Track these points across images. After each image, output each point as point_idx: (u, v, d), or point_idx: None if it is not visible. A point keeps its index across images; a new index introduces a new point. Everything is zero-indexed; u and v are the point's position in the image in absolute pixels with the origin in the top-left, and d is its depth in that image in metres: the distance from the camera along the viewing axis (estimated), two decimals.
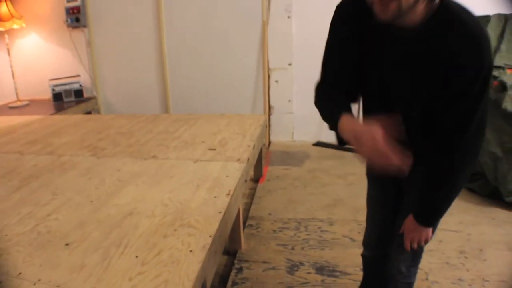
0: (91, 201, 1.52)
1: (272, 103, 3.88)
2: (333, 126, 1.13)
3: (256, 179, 3.04)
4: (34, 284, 1.04)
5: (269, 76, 3.79)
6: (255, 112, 3.93)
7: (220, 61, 3.87)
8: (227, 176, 1.77)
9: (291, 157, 3.52)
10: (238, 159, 1.99)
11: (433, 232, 1.28)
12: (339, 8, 1.19)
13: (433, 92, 1.07)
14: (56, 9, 4.09)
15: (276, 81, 3.81)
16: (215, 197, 1.54)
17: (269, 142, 3.93)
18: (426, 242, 1.28)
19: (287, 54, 3.71)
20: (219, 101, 3.97)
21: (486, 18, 2.73)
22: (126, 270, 1.07)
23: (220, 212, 1.41)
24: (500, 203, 2.53)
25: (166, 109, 4.14)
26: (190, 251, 1.16)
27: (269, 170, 3.25)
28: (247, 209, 2.58)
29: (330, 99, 1.24)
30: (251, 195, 2.79)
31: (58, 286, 1.03)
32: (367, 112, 1.27)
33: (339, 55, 1.21)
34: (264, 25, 3.64)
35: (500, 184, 2.53)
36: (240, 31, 3.74)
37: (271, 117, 3.91)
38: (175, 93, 4.08)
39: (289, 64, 3.74)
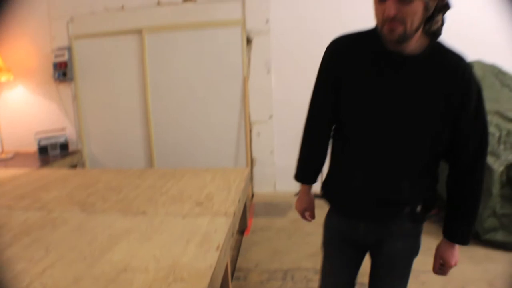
0: (85, 258, 1.57)
1: (254, 155, 4.00)
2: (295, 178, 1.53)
3: (242, 231, 3.10)
4: None
5: (250, 129, 3.94)
6: (238, 164, 4.03)
7: (203, 115, 4.03)
8: (215, 230, 1.84)
9: (275, 207, 3.61)
10: (225, 213, 2.06)
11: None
12: (333, 45, 1.31)
13: (440, 113, 1.17)
14: (44, 63, 4.25)
15: (258, 134, 3.95)
16: (205, 251, 1.61)
17: (252, 194, 4.02)
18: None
19: (267, 108, 3.89)
20: (203, 154, 4.08)
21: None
22: None
23: (210, 266, 1.47)
24: (477, 242, 2.68)
25: (150, 162, 4.21)
26: None
27: (253, 222, 3.31)
28: (234, 261, 2.64)
29: (308, 151, 1.49)
30: (237, 248, 2.84)
31: None
32: (349, 144, 1.31)
33: (328, 90, 1.32)
34: (245, 80, 3.84)
35: (476, 222, 2.67)
36: (222, 86, 3.93)
37: (254, 169, 4.02)
38: (160, 147, 4.18)
39: (270, 117, 3.90)
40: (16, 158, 4.10)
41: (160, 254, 1.59)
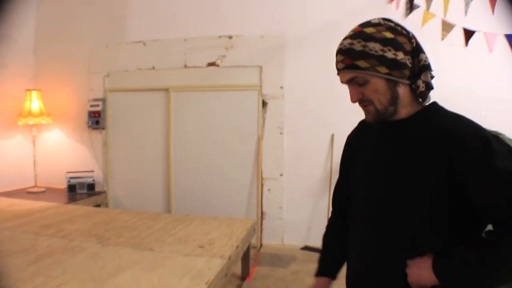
0: (94, 279, 1.86)
1: (264, 209, 4.26)
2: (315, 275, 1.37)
3: (243, 277, 3.32)
4: None
5: (262, 185, 4.23)
6: (249, 215, 4.28)
7: (219, 169, 4.34)
8: (209, 269, 2.10)
9: (279, 259, 3.81)
10: (221, 256, 2.33)
11: None
12: (347, 139, 1.36)
13: (429, 184, 1.03)
14: (80, 111, 4.75)
15: (269, 190, 4.23)
16: (195, 284, 1.87)
17: (261, 245, 4.23)
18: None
19: (279, 166, 4.18)
20: (217, 205, 4.35)
21: None
22: None
23: None
24: None
25: (168, 207, 4.51)
26: None
27: (256, 270, 3.52)
28: None
29: (327, 244, 1.41)
30: None
31: None
32: (350, 224, 1.27)
33: (342, 179, 1.35)
34: (259, 139, 4.19)
35: None
36: (238, 144, 4.27)
37: (264, 221, 4.25)
38: (178, 194, 4.49)
39: (281, 175, 4.19)
40: (47, 193, 4.47)
41: (157, 283, 1.87)
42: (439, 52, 3.43)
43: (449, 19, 3.66)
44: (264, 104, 4.17)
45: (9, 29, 4.42)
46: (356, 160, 1.25)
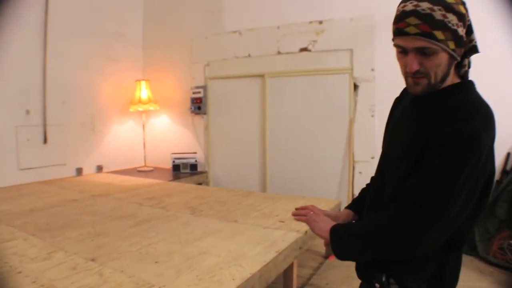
0: (180, 241, 2.14)
1: (355, 192, 4.29)
2: None
3: (327, 256, 3.43)
4: (130, 277, 1.66)
5: (353, 168, 4.26)
6: (340, 197, 4.35)
7: (312, 151, 4.45)
8: (283, 240, 2.26)
9: None
10: (298, 231, 2.47)
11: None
12: (394, 101, 1.45)
13: (415, 155, 1.10)
14: (184, 98, 5.23)
15: (360, 172, 4.25)
16: (266, 252, 2.05)
17: None
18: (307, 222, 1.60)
19: (370, 149, 4.16)
20: (309, 186, 4.47)
21: None
22: (187, 282, 1.64)
23: (264, 262, 1.91)
24: None
25: (264, 186, 4.78)
26: (233, 279, 1.68)
27: None
28: (309, 278, 2.99)
29: (362, 190, 1.75)
30: (317, 268, 3.19)
31: (144, 280, 1.63)
32: None
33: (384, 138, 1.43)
34: (351, 122, 4.21)
35: None
36: (330, 126, 4.33)
37: None
38: (273, 173, 4.70)
39: (372, 158, 4.16)
40: (154, 172, 5.02)
41: (233, 249, 2.08)
42: None
43: None
44: (355, 87, 4.17)
45: (121, 27, 5.06)
46: (390, 122, 1.38)
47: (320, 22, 4.28)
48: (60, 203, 3.11)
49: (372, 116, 4.13)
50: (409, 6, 1.03)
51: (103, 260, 1.86)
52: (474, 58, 1.17)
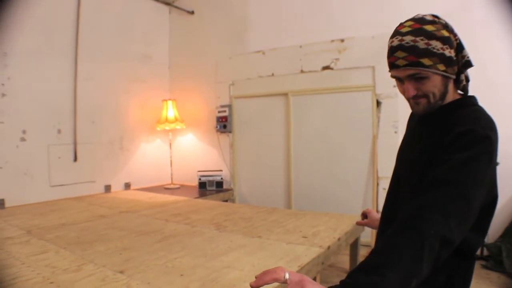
0: (205, 256, 2.20)
1: (379, 208, 4.25)
2: None
3: None
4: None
5: (377, 184, 4.25)
6: None
7: (336, 167, 4.47)
8: (305, 255, 2.29)
9: None
10: (320, 246, 2.50)
11: None
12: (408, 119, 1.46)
13: (422, 169, 1.14)
14: (209, 117, 5.36)
15: (384, 189, 4.22)
16: (289, 266, 2.08)
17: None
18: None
19: (393, 165, 4.13)
20: (334, 202, 4.47)
21: None
22: None
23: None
24: None
25: (289, 203, 4.80)
26: None
27: None
28: None
29: None
30: None
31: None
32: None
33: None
34: (374, 138, 4.21)
35: None
36: (354, 143, 4.34)
37: None
38: (297, 190, 4.73)
39: None
40: (181, 189, 5.14)
41: (256, 263, 2.12)
42: None
43: None
44: (378, 103, 4.19)
45: (148, 50, 5.26)
46: (403, 139, 1.43)
47: (342, 40, 4.34)
48: (90, 218, 3.24)
49: (395, 132, 4.12)
50: (395, 42, 1.15)
51: (130, 273, 1.93)
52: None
